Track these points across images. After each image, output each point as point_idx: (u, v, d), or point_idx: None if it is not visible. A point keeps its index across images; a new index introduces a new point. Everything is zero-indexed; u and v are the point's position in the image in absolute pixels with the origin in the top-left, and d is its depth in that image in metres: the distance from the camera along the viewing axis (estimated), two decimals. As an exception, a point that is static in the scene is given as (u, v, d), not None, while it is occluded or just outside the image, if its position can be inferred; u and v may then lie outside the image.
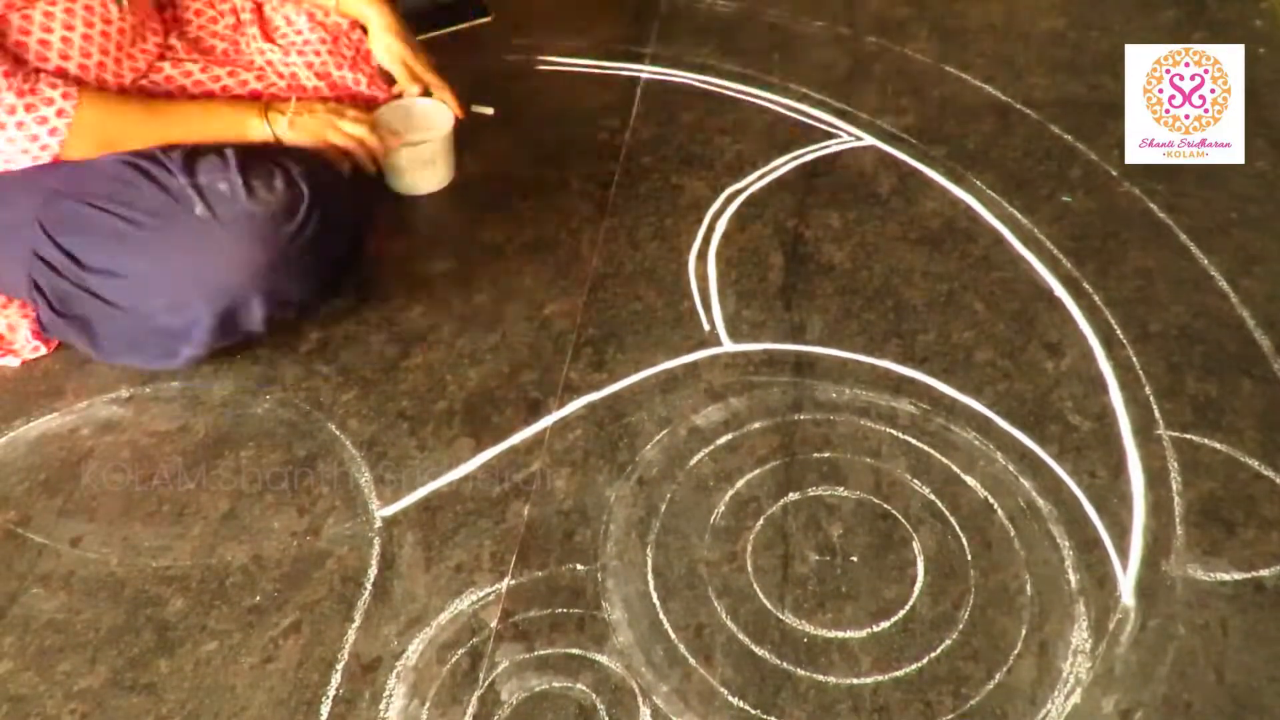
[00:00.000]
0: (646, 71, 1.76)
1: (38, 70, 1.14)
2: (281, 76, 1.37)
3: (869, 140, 1.63)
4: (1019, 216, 1.50)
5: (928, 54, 1.82)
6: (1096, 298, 1.37)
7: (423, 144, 1.44)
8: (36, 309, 1.23)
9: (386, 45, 1.45)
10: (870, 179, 1.57)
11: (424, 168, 1.48)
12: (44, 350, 1.28)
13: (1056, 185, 1.56)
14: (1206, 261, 1.43)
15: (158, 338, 1.21)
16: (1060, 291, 1.38)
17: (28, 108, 1.12)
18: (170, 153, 1.17)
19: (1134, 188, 1.54)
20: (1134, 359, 1.29)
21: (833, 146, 1.62)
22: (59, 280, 1.17)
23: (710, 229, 1.48)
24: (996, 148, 1.63)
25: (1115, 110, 1.60)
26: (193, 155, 1.17)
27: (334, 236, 1.26)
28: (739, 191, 1.54)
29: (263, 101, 1.31)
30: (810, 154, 1.60)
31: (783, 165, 1.58)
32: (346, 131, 1.32)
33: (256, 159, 1.19)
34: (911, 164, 1.59)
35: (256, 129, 1.27)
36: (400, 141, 1.41)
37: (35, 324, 1.26)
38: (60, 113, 1.14)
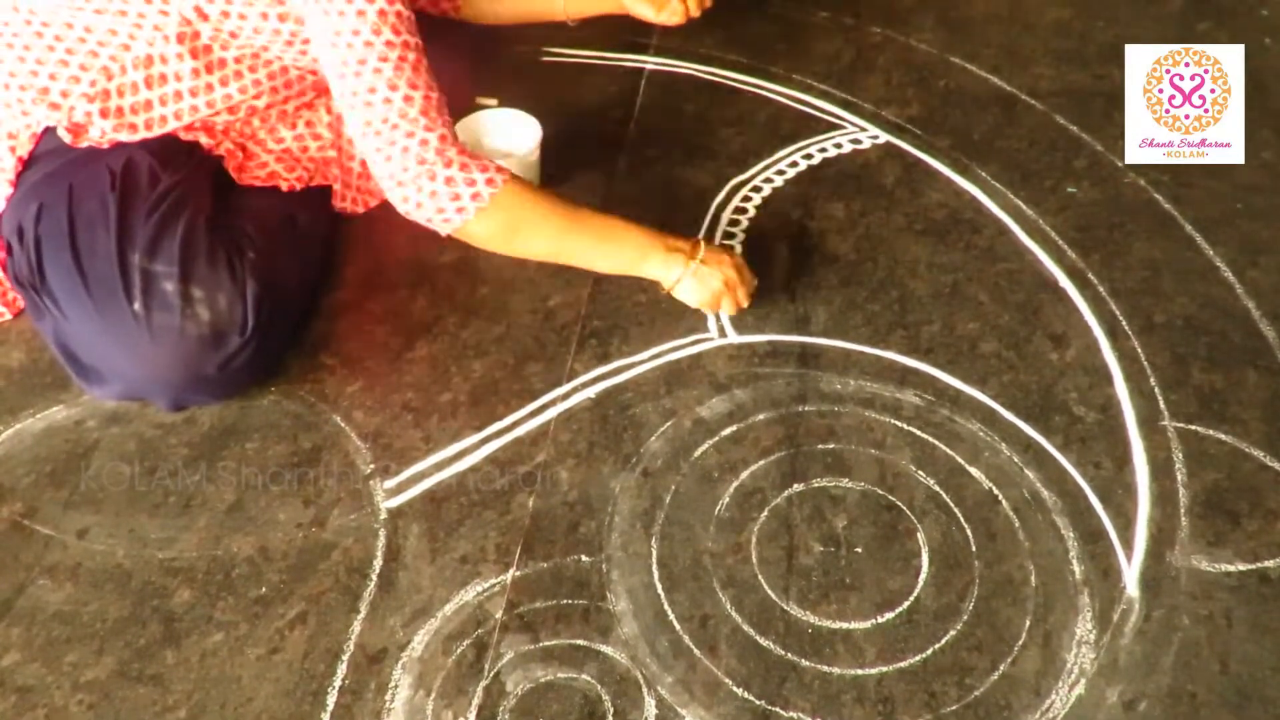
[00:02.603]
0: (650, 63, 1.76)
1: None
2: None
3: (873, 131, 1.63)
4: (1024, 207, 1.50)
5: (932, 44, 1.82)
6: (1101, 288, 1.37)
7: (508, 158, 1.41)
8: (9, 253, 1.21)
9: None
10: (875, 170, 1.56)
11: None
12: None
13: (1062, 176, 1.55)
14: (1212, 252, 1.42)
15: (79, 364, 1.19)
16: (1065, 282, 1.38)
17: (463, 166, 1.15)
18: (144, 220, 1.14)
19: (1139, 178, 1.54)
20: (1139, 350, 1.29)
21: (837, 138, 1.62)
22: (25, 273, 1.16)
23: (715, 220, 1.48)
24: (1001, 138, 1.62)
25: (1120, 101, 1.60)
26: (161, 230, 1.14)
27: (268, 352, 1.23)
28: (743, 183, 1.53)
29: (664, 239, 1.26)
30: (814, 145, 1.60)
31: (787, 156, 1.57)
32: (738, 301, 1.27)
33: (211, 255, 1.15)
34: (916, 155, 1.59)
35: (654, 268, 1.25)
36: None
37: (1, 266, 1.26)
38: (490, 181, 1.16)
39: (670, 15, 1.55)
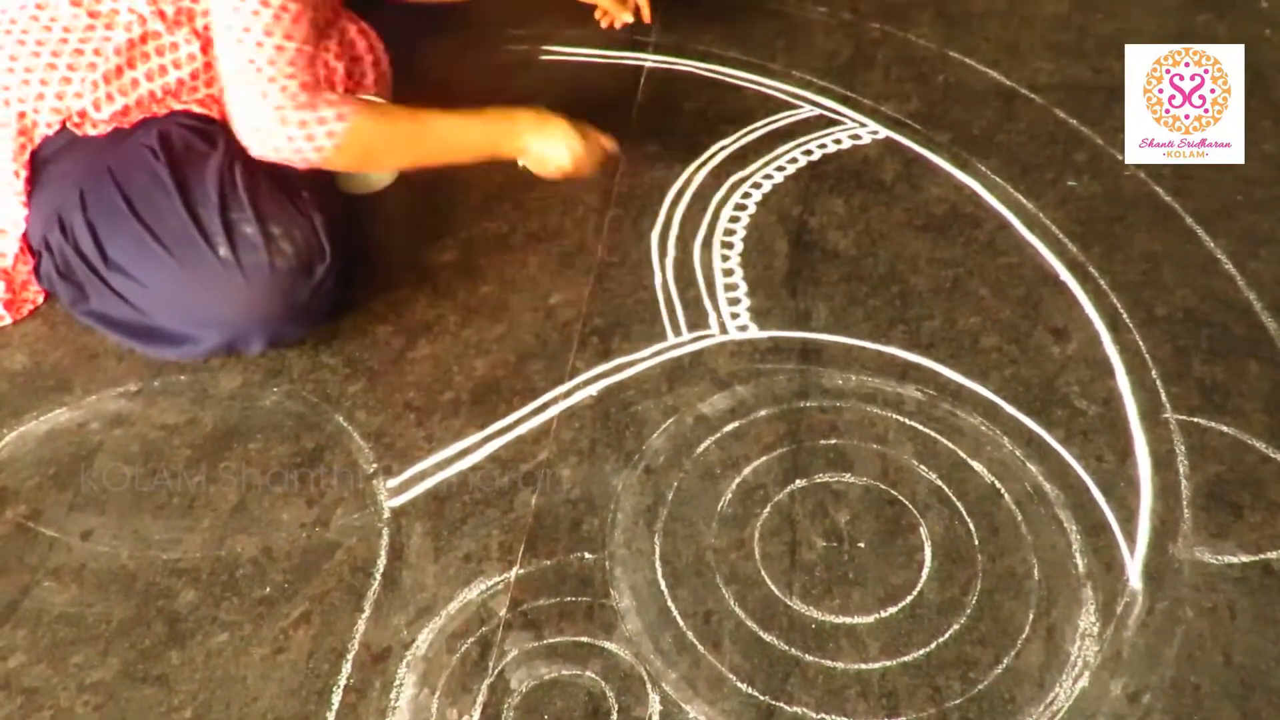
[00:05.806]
0: (650, 60, 1.76)
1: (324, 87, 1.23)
2: None
3: (873, 126, 1.63)
4: (1024, 201, 1.49)
5: (931, 39, 1.82)
6: (1102, 282, 1.37)
7: None
8: (37, 260, 1.26)
9: None
10: (875, 165, 1.56)
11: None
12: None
13: (1062, 170, 1.55)
14: (1213, 244, 1.42)
15: (149, 334, 1.23)
16: (1066, 276, 1.38)
17: (312, 106, 1.19)
18: (203, 176, 1.19)
19: (1139, 171, 1.53)
20: (1140, 343, 1.29)
21: (837, 133, 1.62)
22: (78, 261, 1.19)
23: (715, 217, 1.48)
24: (1001, 133, 1.62)
25: (1120, 94, 1.59)
26: (223, 183, 1.19)
27: (345, 273, 1.29)
28: (743, 179, 1.53)
29: (510, 121, 1.32)
30: (815, 141, 1.60)
31: (787, 153, 1.57)
32: (594, 161, 1.35)
33: (275, 198, 1.21)
34: (916, 150, 1.59)
35: (506, 152, 1.32)
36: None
37: (33, 272, 1.29)
38: (340, 117, 1.20)
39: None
